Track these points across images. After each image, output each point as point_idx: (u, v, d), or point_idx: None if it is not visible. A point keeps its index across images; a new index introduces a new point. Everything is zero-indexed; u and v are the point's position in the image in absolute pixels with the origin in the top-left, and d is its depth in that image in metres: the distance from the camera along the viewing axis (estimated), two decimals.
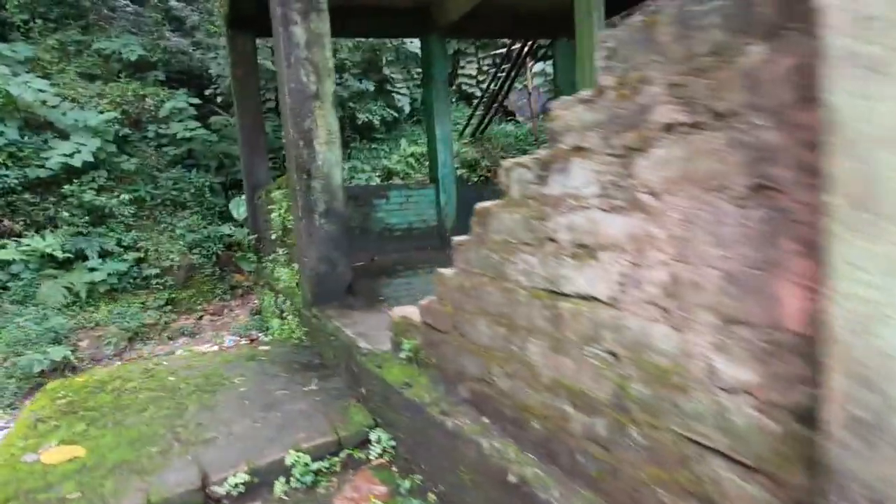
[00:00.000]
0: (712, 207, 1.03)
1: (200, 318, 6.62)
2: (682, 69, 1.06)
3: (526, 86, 10.31)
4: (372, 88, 10.99)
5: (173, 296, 6.74)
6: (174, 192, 7.87)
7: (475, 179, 9.08)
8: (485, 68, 12.06)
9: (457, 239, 2.00)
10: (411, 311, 2.39)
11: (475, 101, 11.45)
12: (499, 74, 9.55)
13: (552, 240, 1.48)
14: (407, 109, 11.47)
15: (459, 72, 12.00)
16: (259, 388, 2.74)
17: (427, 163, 9.49)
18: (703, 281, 1.06)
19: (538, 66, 10.25)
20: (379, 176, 9.49)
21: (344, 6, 5.30)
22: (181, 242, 7.26)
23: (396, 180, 9.34)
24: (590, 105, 1.31)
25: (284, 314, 4.03)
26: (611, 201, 1.27)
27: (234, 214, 7.89)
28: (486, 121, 10.07)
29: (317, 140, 2.94)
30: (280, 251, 4.74)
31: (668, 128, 1.10)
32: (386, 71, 11.44)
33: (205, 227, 7.60)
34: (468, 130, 10.31)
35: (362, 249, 5.72)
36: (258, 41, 6.68)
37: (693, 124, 1.04)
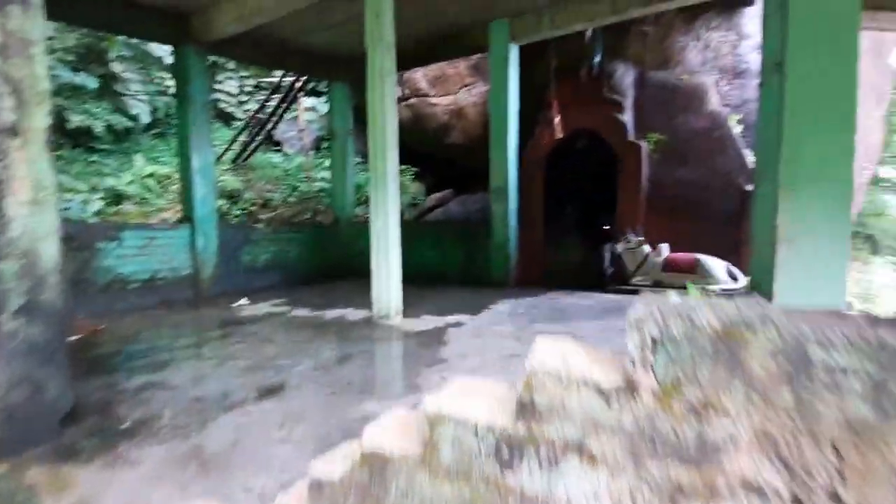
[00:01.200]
0: None
1: None
2: None
3: (297, 118, 9.69)
4: (94, 85, 8.56)
5: None
6: None
7: (237, 214, 7.92)
8: (248, 88, 10.88)
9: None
10: None
11: (236, 124, 10.17)
12: (269, 102, 8.69)
13: None
14: (145, 119, 9.34)
15: (216, 86, 10.49)
16: None
17: (173, 188, 7.86)
18: None
19: (309, 101, 9.78)
20: (103, 199, 7.33)
21: None
22: None
23: (129, 206, 7.37)
24: (608, 399, 0.91)
25: None
26: None
27: None
28: (250, 148, 9.00)
29: (12, 198, 1.88)
30: None
31: None
32: (116, 67, 9.11)
33: None
34: (229, 155, 9.01)
35: (78, 313, 4.16)
36: None
37: None
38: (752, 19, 6.37)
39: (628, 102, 6.19)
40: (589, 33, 6.29)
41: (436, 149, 8.58)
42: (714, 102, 6.13)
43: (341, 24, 5.94)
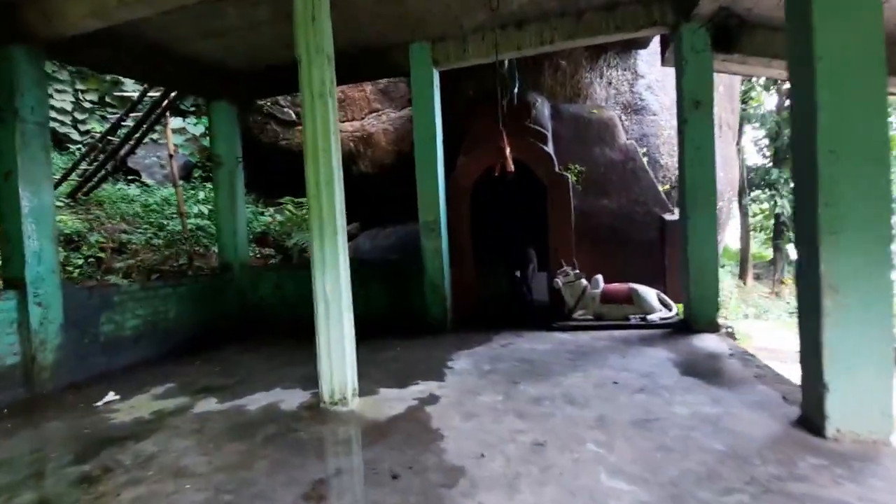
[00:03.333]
0: None
1: None
2: None
3: (163, 143, 7.86)
4: None
5: None
6: None
7: (79, 264, 5.98)
8: (86, 104, 8.62)
9: None
10: None
11: (73, 148, 7.94)
12: (123, 122, 6.85)
13: None
14: None
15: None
16: None
17: None
18: None
19: (177, 122, 8.05)
20: None
21: None
22: None
23: None
24: None
25: None
26: None
27: None
28: (96, 179, 7.00)
29: None
30: None
31: None
32: None
33: None
34: (63, 188, 6.89)
35: None
36: None
37: None
38: (645, 60, 6.78)
39: (549, 134, 6.05)
40: (506, 63, 6.05)
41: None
42: (623, 136, 6.31)
43: (234, 30, 4.80)
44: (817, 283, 2.31)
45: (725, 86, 7.95)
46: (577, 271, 5.45)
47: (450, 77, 5.91)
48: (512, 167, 4.61)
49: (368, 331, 5.48)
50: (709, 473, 2.06)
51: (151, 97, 6.57)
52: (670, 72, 6.99)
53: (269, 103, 7.50)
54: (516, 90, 6.02)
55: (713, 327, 4.70)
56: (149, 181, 8.02)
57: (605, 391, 3.16)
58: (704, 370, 3.49)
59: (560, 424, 2.65)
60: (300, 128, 7.63)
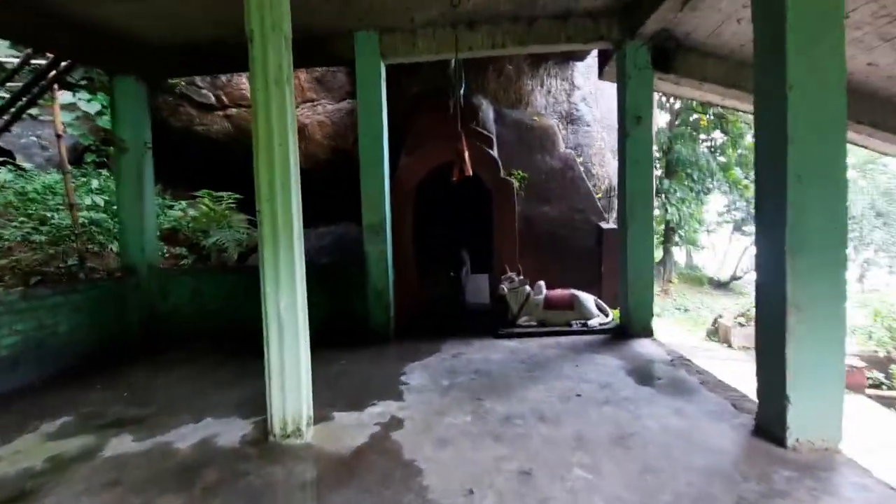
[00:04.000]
0: None
1: None
2: None
3: (45, 120, 6.56)
4: None
5: None
6: None
7: None
8: None
9: None
10: None
11: None
12: None
13: None
14: None
15: None
16: None
17: None
18: None
19: (65, 97, 6.78)
20: None
21: None
22: None
23: None
24: None
25: None
26: None
27: None
28: None
29: None
30: None
31: None
32: None
33: None
34: None
35: None
36: None
37: None
38: (581, 73, 6.99)
39: (494, 138, 5.99)
40: (452, 63, 5.88)
41: None
42: (562, 144, 6.44)
43: None
44: (782, 302, 2.41)
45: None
46: (522, 277, 5.44)
47: (393, 73, 5.60)
48: (470, 171, 4.44)
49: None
50: (701, 495, 2.06)
51: (36, 66, 5.45)
52: (604, 85, 7.31)
53: (183, 83, 6.60)
54: (462, 92, 5.87)
55: (648, 332, 4.92)
56: (26, 165, 6.67)
57: (572, 405, 3.11)
58: (656, 378, 3.60)
59: (540, 447, 2.53)
60: (221, 113, 6.83)
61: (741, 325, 12.36)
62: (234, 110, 6.51)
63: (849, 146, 2.57)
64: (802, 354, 2.40)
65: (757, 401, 2.73)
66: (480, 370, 3.94)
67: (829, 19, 2.34)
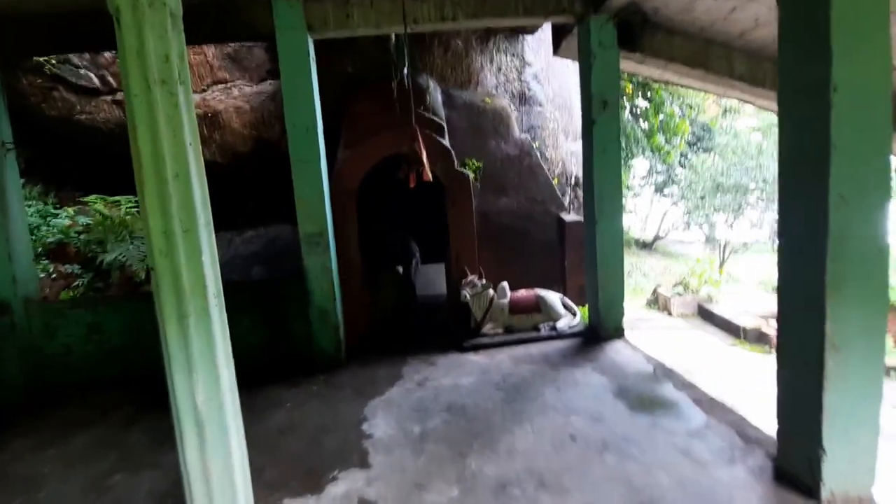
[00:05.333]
0: None
1: None
2: None
3: None
4: None
5: None
6: None
7: None
8: None
9: None
10: None
11: None
12: None
13: None
14: None
15: None
16: None
17: None
18: None
19: None
20: None
21: None
22: None
23: None
24: None
25: None
26: None
27: None
28: None
29: None
30: None
31: None
32: None
33: None
34: None
35: None
36: None
37: None
38: (532, 47, 6.40)
39: (444, 124, 5.31)
40: (393, 40, 5.06)
41: None
42: (517, 128, 5.90)
43: None
44: (819, 343, 2.06)
45: None
46: (484, 281, 4.94)
47: (322, 50, 4.71)
48: (430, 175, 3.77)
49: (241, 377, 4.23)
50: None
51: None
52: (555, 61, 6.79)
53: (55, 61, 5.23)
54: (406, 72, 5.09)
55: (619, 333, 4.64)
56: None
57: (570, 456, 2.68)
58: (647, 401, 3.27)
59: None
60: (108, 98, 5.55)
61: (679, 294, 12.93)
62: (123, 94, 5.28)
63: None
64: (841, 400, 2.08)
65: (775, 439, 2.43)
66: (453, 405, 3.42)
67: (881, 9, 1.91)
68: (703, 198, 21.44)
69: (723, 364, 8.86)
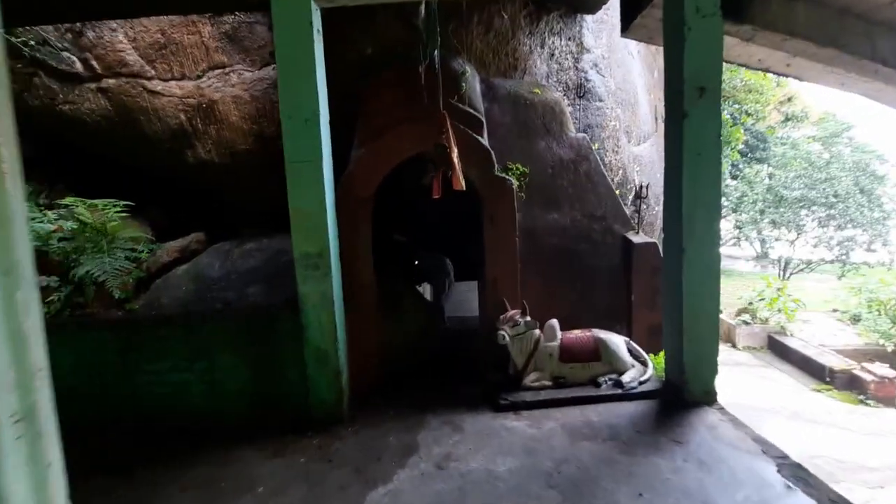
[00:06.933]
0: None
1: None
2: None
3: None
4: None
5: None
6: None
7: None
8: None
9: None
10: None
11: None
12: None
13: None
14: None
15: None
16: None
17: None
18: None
19: None
20: None
21: None
22: None
23: None
24: None
25: None
26: None
27: None
28: None
29: None
30: None
31: None
32: None
33: None
34: None
35: None
36: None
37: None
38: (591, 30, 5.32)
39: (483, 119, 4.29)
40: (422, 14, 4.09)
41: (169, 168, 5.00)
42: (572, 126, 4.81)
43: None
44: None
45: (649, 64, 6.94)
46: (528, 318, 3.87)
47: (334, 24, 3.80)
48: (462, 183, 2.76)
49: (212, 435, 3.33)
50: None
51: None
52: (617, 48, 5.68)
53: (33, 43, 4.55)
54: (437, 53, 4.10)
55: (710, 398, 3.48)
56: None
57: None
58: None
59: None
60: (93, 85, 4.82)
61: (746, 323, 11.32)
62: (111, 81, 4.54)
63: None
64: None
65: None
66: None
67: None
68: (762, 212, 19.50)
69: (810, 416, 7.33)
